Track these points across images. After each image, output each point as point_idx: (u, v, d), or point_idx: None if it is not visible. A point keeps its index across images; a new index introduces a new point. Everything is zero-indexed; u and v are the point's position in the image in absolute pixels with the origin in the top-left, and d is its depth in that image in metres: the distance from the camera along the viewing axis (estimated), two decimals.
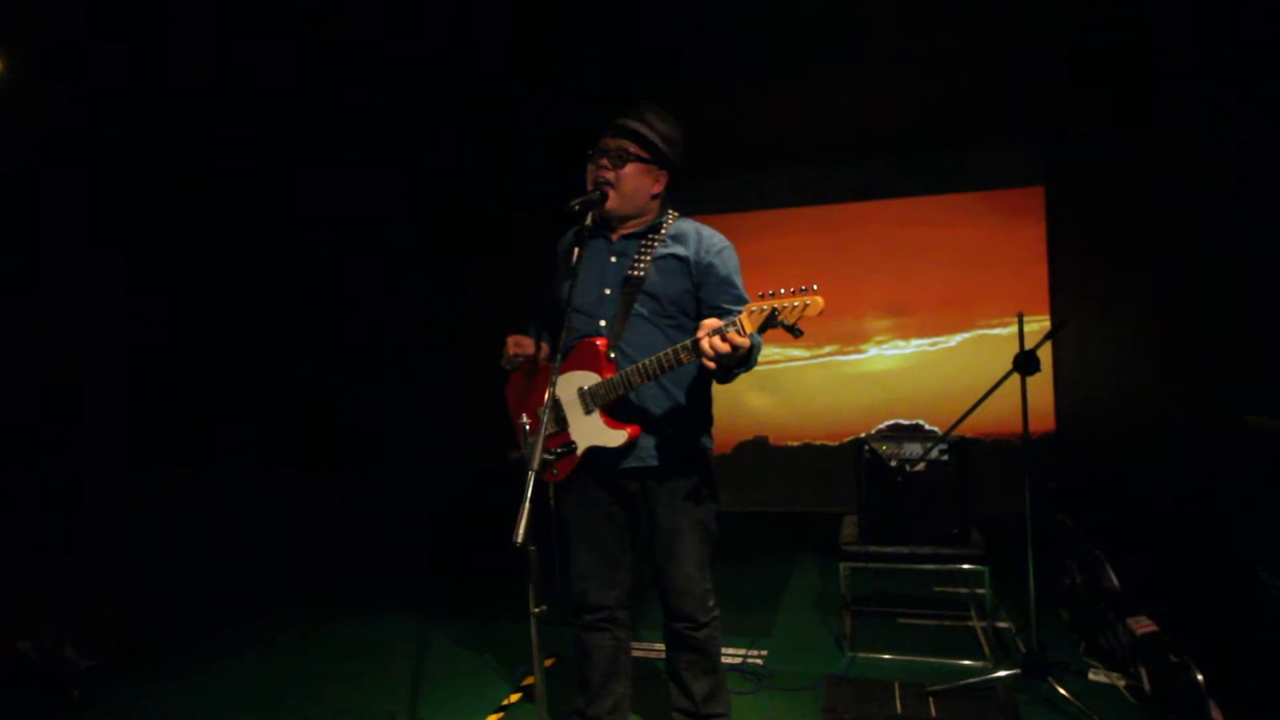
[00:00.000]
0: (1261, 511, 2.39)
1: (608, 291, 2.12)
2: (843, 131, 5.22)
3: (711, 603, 2.20)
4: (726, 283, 2.09)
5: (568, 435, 2.10)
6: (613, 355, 2.05)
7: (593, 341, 2.07)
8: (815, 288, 1.67)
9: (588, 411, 2.06)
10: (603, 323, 2.10)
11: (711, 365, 1.80)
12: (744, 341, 1.74)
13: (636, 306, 2.08)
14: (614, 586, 2.24)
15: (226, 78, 3.68)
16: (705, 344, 1.77)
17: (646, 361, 1.94)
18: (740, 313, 1.75)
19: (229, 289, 4.18)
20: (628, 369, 1.98)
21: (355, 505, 4.89)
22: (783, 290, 1.70)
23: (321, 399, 4.72)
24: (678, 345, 1.89)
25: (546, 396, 1.84)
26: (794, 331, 1.69)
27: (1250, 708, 2.34)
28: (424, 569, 4.81)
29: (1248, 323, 3.09)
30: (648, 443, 2.10)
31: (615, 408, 2.06)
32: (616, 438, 2.03)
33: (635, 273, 2.10)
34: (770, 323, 1.71)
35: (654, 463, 2.11)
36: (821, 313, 1.67)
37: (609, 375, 2.02)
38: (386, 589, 4.39)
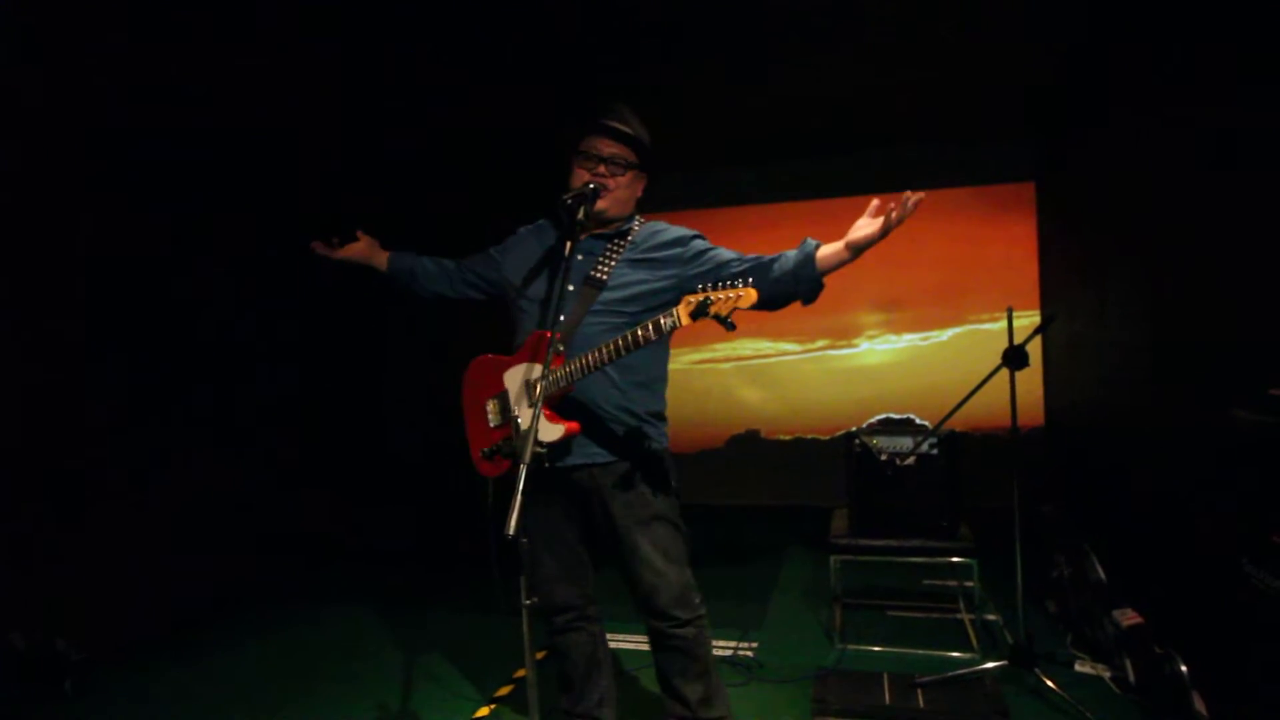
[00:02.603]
0: (1246, 504, 2.42)
1: (570, 288, 2.11)
2: (835, 126, 5.23)
3: (697, 599, 2.14)
4: (714, 255, 2.09)
5: (509, 429, 2.06)
6: (561, 349, 2.01)
7: (543, 334, 2.04)
8: (750, 280, 1.71)
9: (531, 404, 2.03)
10: (562, 317, 2.08)
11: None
12: (667, 323, 1.79)
13: (595, 305, 2.08)
14: (580, 583, 2.24)
15: (225, 85, 3.69)
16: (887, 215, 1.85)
17: (588, 354, 1.93)
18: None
19: (223, 290, 4.17)
20: (572, 362, 1.97)
21: (346, 500, 4.90)
22: (718, 284, 1.73)
23: (313, 396, 4.71)
24: (617, 338, 1.88)
25: (512, 387, 1.88)
26: (725, 324, 1.71)
27: (1233, 699, 2.37)
28: (414, 562, 4.81)
29: (1235, 318, 3.12)
30: (596, 437, 2.08)
31: (560, 402, 2.03)
32: (553, 432, 1.98)
33: (598, 274, 2.10)
34: (702, 311, 1.72)
35: (604, 458, 2.09)
36: (753, 306, 1.71)
37: (554, 368, 2.00)
38: (378, 583, 4.40)
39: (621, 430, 2.11)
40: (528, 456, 1.68)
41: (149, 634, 3.56)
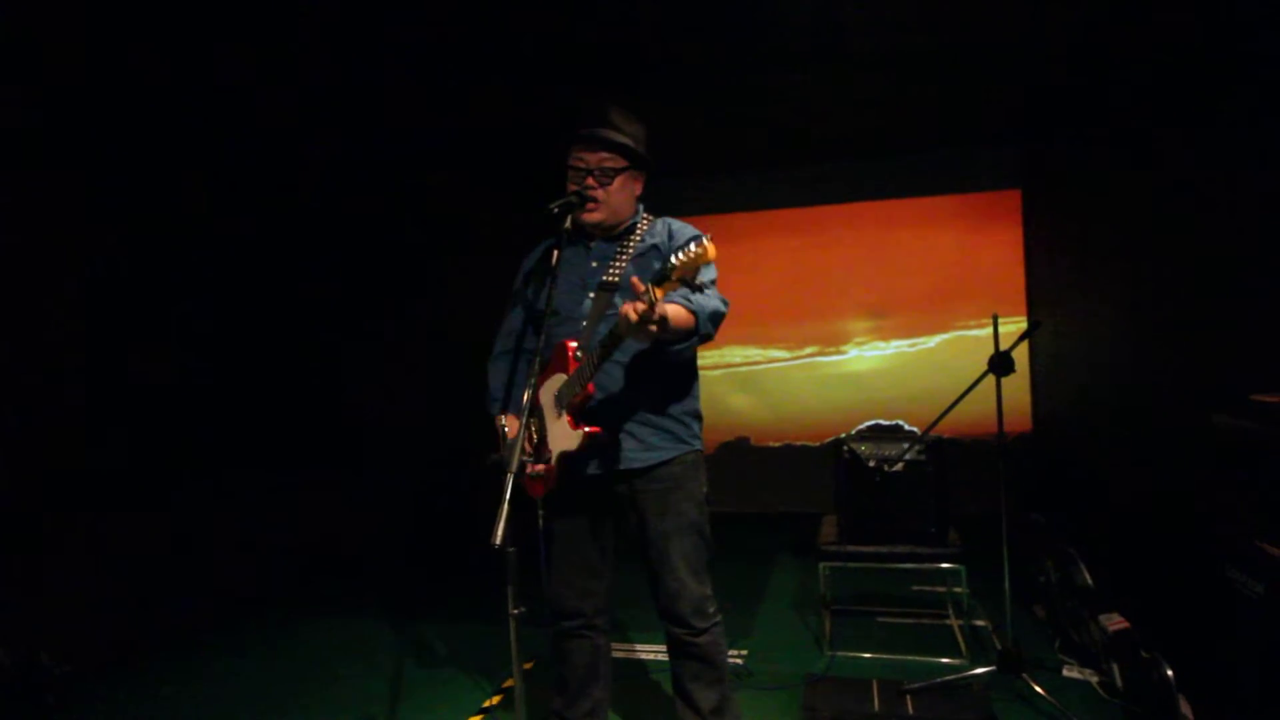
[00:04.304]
0: (1228, 509, 2.44)
1: (591, 295, 2.12)
2: (822, 134, 5.26)
3: (712, 609, 2.16)
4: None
5: (547, 445, 2.06)
6: (580, 355, 2.01)
7: (564, 343, 2.05)
8: (708, 236, 1.63)
9: (558, 415, 2.03)
10: (583, 324, 2.10)
11: (643, 337, 1.76)
12: (653, 308, 1.67)
13: (611, 308, 2.08)
14: (591, 595, 2.23)
15: (214, 76, 3.68)
16: (621, 311, 1.71)
17: (590, 354, 1.91)
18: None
19: (214, 293, 4.14)
20: (580, 361, 1.95)
21: (335, 507, 4.87)
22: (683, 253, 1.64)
23: (303, 401, 4.69)
24: (605, 329, 1.85)
25: (525, 399, 1.86)
26: (693, 287, 1.66)
27: (1218, 702, 2.39)
28: (404, 571, 4.79)
29: (1217, 324, 3.15)
30: (631, 441, 2.08)
31: (585, 408, 2.02)
32: (573, 439, 1.98)
33: (609, 277, 2.11)
34: (665, 277, 1.64)
35: (640, 464, 2.09)
36: (711, 261, 1.62)
37: (568, 374, 2.00)
38: (366, 592, 4.37)
39: (656, 432, 2.10)
40: (514, 466, 1.68)
41: (136, 647, 3.52)
